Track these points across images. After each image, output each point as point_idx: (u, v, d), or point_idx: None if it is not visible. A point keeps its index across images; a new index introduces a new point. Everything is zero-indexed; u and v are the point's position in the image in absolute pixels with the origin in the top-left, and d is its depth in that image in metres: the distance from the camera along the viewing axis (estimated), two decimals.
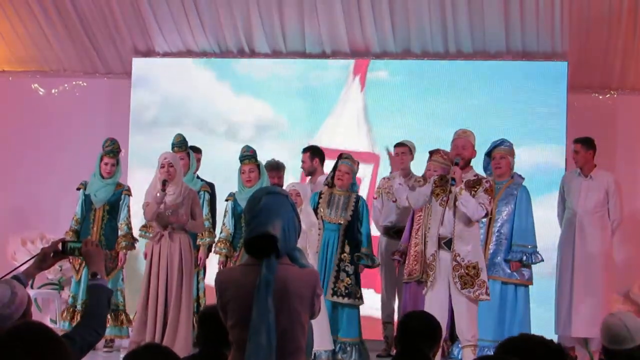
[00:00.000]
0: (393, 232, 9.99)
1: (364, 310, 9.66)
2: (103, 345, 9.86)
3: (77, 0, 11.32)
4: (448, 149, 8.54)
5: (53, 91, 12.27)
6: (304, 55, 11.67)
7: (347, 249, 9.37)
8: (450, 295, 7.89)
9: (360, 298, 9.39)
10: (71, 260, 9.88)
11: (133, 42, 11.83)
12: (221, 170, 10.61)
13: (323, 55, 11.66)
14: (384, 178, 10.44)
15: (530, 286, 9.32)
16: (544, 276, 9.84)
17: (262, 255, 3.94)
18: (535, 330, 9.11)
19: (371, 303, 10.08)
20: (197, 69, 11.76)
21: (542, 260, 9.32)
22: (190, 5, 11.27)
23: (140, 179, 10.37)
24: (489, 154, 9.45)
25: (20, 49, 11.97)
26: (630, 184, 10.63)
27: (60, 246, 4.51)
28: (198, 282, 9.80)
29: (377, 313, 10.18)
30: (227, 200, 9.61)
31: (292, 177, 10.48)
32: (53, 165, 11.84)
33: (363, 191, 10.58)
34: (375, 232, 10.00)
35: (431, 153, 9.52)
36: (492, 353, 4.83)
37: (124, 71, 12.00)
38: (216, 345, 4.59)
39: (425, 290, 8.09)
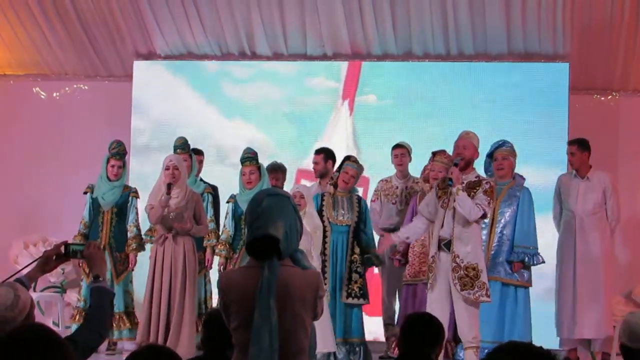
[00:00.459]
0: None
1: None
2: (106, 348, 9.86)
3: (78, 3, 11.31)
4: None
5: (54, 94, 12.28)
6: (304, 57, 11.67)
7: (357, 250, 9.40)
8: (451, 297, 7.88)
9: (368, 298, 9.46)
10: (81, 264, 9.87)
11: (134, 45, 11.84)
12: None
13: (324, 57, 11.66)
14: (381, 180, 10.42)
15: (530, 288, 9.31)
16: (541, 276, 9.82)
17: (264, 257, 3.94)
18: (536, 331, 9.15)
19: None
20: (186, 93, 11.64)
21: (544, 262, 9.33)
22: (191, 7, 11.27)
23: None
24: (490, 155, 9.44)
25: (21, 53, 11.97)
26: (632, 186, 10.63)
27: (62, 249, 4.53)
28: (205, 284, 9.80)
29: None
30: (227, 202, 9.62)
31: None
32: (55, 168, 11.84)
33: None
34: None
35: (434, 154, 9.53)
36: None
37: (125, 74, 12.00)
38: (220, 347, 4.59)
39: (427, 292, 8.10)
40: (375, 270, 10.25)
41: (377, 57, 11.58)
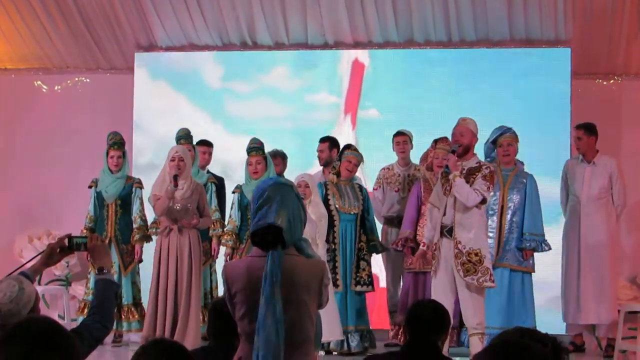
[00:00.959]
0: (397, 222, 9.98)
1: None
2: (111, 340, 9.87)
3: None
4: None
5: (56, 88, 12.27)
6: (306, 46, 11.65)
7: (363, 238, 9.44)
8: (455, 283, 7.89)
9: (374, 286, 9.57)
10: (88, 257, 9.87)
11: (135, 37, 11.82)
12: None
13: (325, 46, 11.65)
14: (383, 168, 10.42)
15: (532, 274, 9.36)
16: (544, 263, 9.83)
17: (268, 247, 3.94)
18: (539, 316, 9.18)
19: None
20: (188, 110, 11.51)
21: (550, 248, 9.34)
22: None
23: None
24: (494, 142, 9.43)
25: (22, 46, 11.96)
26: (635, 170, 10.61)
27: (66, 242, 4.53)
28: (211, 274, 9.80)
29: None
30: (233, 192, 9.62)
31: None
32: (58, 161, 11.84)
33: None
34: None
35: (436, 141, 9.54)
36: None
37: (127, 66, 11.99)
38: (226, 336, 4.60)
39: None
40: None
41: (379, 45, 11.56)
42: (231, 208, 9.59)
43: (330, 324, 8.28)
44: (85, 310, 9.74)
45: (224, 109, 11.68)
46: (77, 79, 12.26)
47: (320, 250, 8.60)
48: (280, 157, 10.11)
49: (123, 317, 9.70)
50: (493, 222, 9.25)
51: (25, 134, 12.04)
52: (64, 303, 10.97)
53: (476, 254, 7.80)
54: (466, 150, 8.00)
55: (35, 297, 4.24)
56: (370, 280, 9.42)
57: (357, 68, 11.63)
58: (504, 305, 9.09)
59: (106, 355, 9.40)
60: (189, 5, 11.32)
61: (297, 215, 4.04)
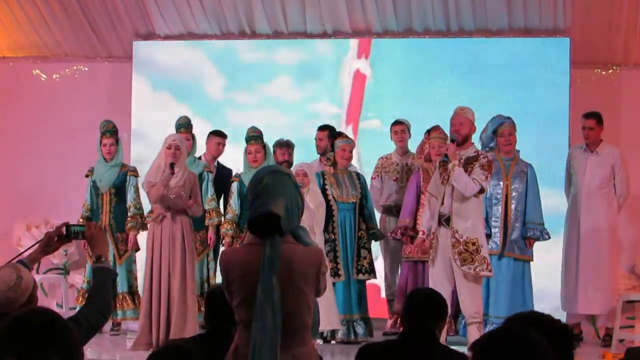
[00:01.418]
0: (396, 210, 9.99)
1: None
2: (110, 328, 9.89)
3: None
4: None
5: (54, 76, 12.25)
6: (305, 35, 11.64)
7: (363, 226, 9.45)
8: (453, 272, 7.90)
9: (375, 274, 9.60)
10: (85, 246, 9.89)
11: (133, 26, 11.80)
12: None
13: (324, 35, 11.63)
14: (382, 157, 10.42)
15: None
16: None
17: (265, 235, 3.94)
18: (537, 305, 9.21)
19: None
20: (194, 122, 11.30)
21: (550, 237, 9.38)
22: None
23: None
24: (494, 132, 9.43)
25: (20, 35, 11.94)
26: (635, 160, 10.59)
27: (64, 230, 4.53)
28: (208, 263, 9.80)
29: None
30: (232, 181, 9.63)
31: None
32: (56, 150, 11.83)
33: None
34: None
35: (429, 131, 9.54)
36: None
37: (125, 55, 11.98)
38: (223, 324, 4.60)
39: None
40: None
41: (377, 34, 11.54)
42: (230, 197, 9.59)
43: (328, 313, 8.30)
44: (80, 299, 9.78)
45: (225, 120, 11.49)
46: (75, 67, 12.24)
47: (317, 238, 8.61)
48: (286, 147, 10.09)
49: (118, 305, 9.69)
50: (498, 211, 9.28)
51: (24, 123, 12.02)
52: (62, 292, 10.98)
53: (473, 243, 7.81)
54: (465, 140, 8.01)
55: (33, 285, 4.24)
56: (372, 268, 9.47)
57: (359, 79, 11.59)
58: (507, 295, 9.13)
59: (105, 344, 9.41)
60: None
61: (295, 203, 4.04)
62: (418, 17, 11.28)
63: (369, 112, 11.51)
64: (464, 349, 5.22)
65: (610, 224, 9.60)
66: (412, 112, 10.93)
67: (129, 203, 9.81)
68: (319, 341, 9.01)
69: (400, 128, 10.25)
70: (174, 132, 9.74)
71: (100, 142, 9.87)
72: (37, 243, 4.62)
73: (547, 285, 10.09)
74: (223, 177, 10.03)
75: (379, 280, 10.18)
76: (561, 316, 9.60)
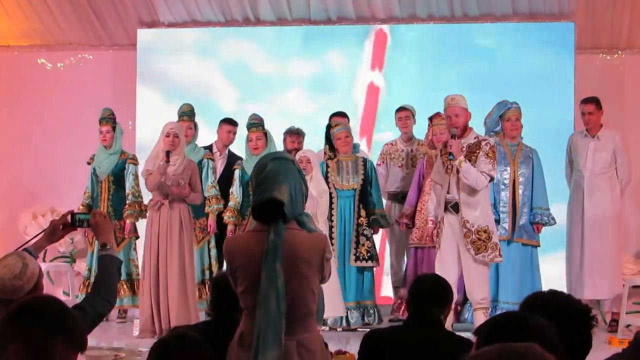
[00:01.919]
0: (401, 197, 9.99)
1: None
2: (116, 316, 9.92)
3: None
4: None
5: (59, 65, 12.25)
6: (309, 21, 11.62)
7: (363, 213, 9.42)
8: (459, 258, 7.90)
9: (378, 260, 9.52)
10: (86, 234, 9.92)
11: (137, 13, 11.79)
12: None
13: (328, 21, 11.61)
14: (387, 144, 10.41)
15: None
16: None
17: (269, 221, 3.95)
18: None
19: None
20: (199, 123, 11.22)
21: (555, 222, 9.38)
22: None
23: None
24: (501, 116, 9.41)
25: (24, 24, 11.93)
26: (638, 145, 10.59)
27: (69, 218, 4.54)
28: (209, 250, 9.80)
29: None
30: (234, 168, 9.63)
31: None
32: (61, 138, 11.83)
33: None
34: None
35: (431, 118, 9.53)
36: None
37: (129, 42, 11.97)
38: (228, 311, 4.61)
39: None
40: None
41: (381, 20, 11.52)
42: (232, 185, 9.58)
43: (333, 300, 8.30)
44: (80, 287, 9.82)
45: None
46: (80, 55, 12.23)
47: (321, 225, 8.60)
48: (295, 135, 10.09)
49: None
50: (506, 196, 9.27)
51: (29, 111, 12.03)
52: (69, 279, 11.01)
53: (485, 231, 7.84)
54: (464, 129, 8.00)
55: (39, 273, 4.26)
56: (370, 256, 9.37)
57: (372, 92, 11.54)
58: (517, 280, 9.14)
59: (111, 331, 9.44)
60: None
61: (299, 190, 4.04)
62: (422, 3, 11.26)
63: (382, 125, 11.39)
64: (470, 336, 5.23)
65: (614, 208, 9.58)
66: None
67: (127, 191, 9.82)
68: (325, 328, 9.01)
69: (404, 114, 10.22)
70: (177, 120, 9.75)
71: (99, 130, 9.90)
72: (42, 232, 4.63)
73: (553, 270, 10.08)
74: (234, 165, 9.99)
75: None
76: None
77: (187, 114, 9.85)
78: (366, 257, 9.35)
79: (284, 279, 3.85)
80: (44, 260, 10.68)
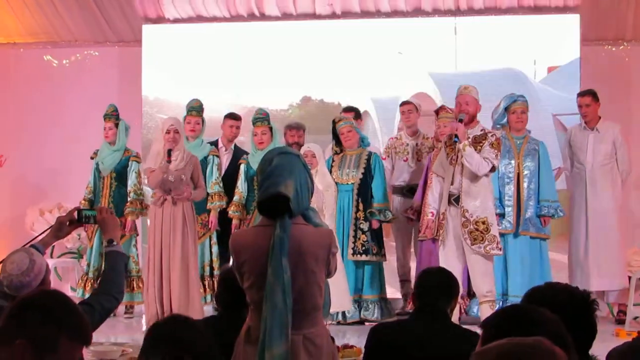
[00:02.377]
0: (406, 190, 9.99)
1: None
2: (123, 311, 9.93)
3: None
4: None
5: (64, 62, 12.26)
6: (313, 16, 11.62)
7: (361, 207, 9.38)
8: (464, 252, 7.90)
9: (379, 254, 9.43)
10: (85, 229, 9.92)
11: (142, 9, 11.80)
12: None
13: (333, 16, 11.60)
14: (391, 138, 10.41)
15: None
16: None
17: (275, 216, 3.95)
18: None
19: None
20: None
21: (565, 214, 9.37)
22: None
23: None
24: (506, 109, 9.41)
25: (30, 21, 11.94)
26: None
27: (75, 215, 4.55)
28: (211, 246, 9.80)
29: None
30: (239, 163, 9.62)
31: None
32: (68, 135, 11.84)
33: None
34: None
35: (437, 112, 9.52)
36: None
37: (135, 39, 11.98)
38: (235, 306, 4.62)
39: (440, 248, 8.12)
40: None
41: (387, 15, 11.52)
42: (237, 179, 9.58)
43: (339, 294, 8.30)
44: (80, 282, 9.82)
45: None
46: (85, 52, 12.24)
47: (327, 220, 8.60)
48: (297, 129, 10.09)
49: None
50: (510, 190, 9.26)
51: (35, 108, 12.05)
52: (76, 275, 11.01)
53: (483, 222, 7.82)
54: (472, 118, 8.00)
55: (46, 270, 4.27)
56: (365, 249, 9.31)
57: None
58: (525, 273, 9.13)
59: (119, 327, 9.44)
60: None
61: (305, 185, 4.05)
62: None
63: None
64: (477, 329, 5.23)
65: (616, 199, 9.58)
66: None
67: (129, 188, 9.82)
68: (332, 322, 9.01)
69: (407, 108, 10.20)
70: (186, 114, 9.75)
71: (104, 126, 9.94)
72: (49, 228, 4.64)
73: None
74: (240, 159, 9.97)
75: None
76: None
77: (196, 109, 9.83)
78: (361, 251, 9.31)
79: (290, 273, 3.86)
80: (51, 257, 10.70)
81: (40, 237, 4.66)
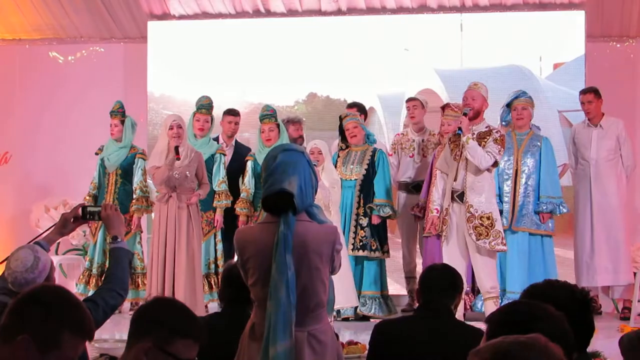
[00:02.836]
0: (412, 187, 9.98)
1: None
2: (129, 308, 9.93)
3: None
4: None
5: (70, 58, 12.28)
6: (319, 13, 11.62)
7: (362, 203, 9.38)
8: (467, 248, 7.90)
9: (379, 250, 9.38)
10: (90, 225, 9.92)
11: (148, 6, 11.81)
12: None
13: (339, 12, 11.61)
14: (398, 134, 10.40)
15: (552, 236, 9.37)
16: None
17: (279, 212, 3.95)
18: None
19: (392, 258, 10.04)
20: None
21: (568, 210, 9.35)
22: None
23: None
24: (508, 105, 9.42)
25: (36, 17, 11.96)
26: None
27: (80, 211, 4.56)
28: (216, 244, 9.79)
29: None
30: (246, 160, 9.61)
31: None
32: (73, 132, 11.86)
33: None
34: None
35: (443, 108, 9.52)
36: None
37: (140, 35, 11.99)
38: (240, 303, 4.62)
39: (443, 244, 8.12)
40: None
41: (392, 11, 11.51)
42: (244, 176, 9.57)
43: (345, 291, 8.30)
44: (81, 277, 9.83)
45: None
46: (91, 48, 12.26)
47: (333, 216, 8.59)
48: (299, 123, 10.09)
49: None
50: (508, 186, 9.25)
51: (41, 104, 12.07)
52: (81, 272, 11.03)
53: (488, 218, 7.82)
54: (477, 114, 8.01)
55: (50, 266, 4.28)
56: (364, 245, 9.28)
57: None
58: (525, 270, 9.12)
59: (124, 323, 9.42)
60: None
61: (309, 182, 4.05)
62: None
63: None
64: (482, 326, 5.23)
65: (621, 195, 9.57)
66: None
67: (135, 185, 9.80)
68: (338, 318, 9.01)
69: (412, 104, 10.19)
70: (195, 111, 9.74)
71: (110, 123, 9.95)
72: (54, 225, 4.65)
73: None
74: (241, 155, 9.98)
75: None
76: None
77: (206, 106, 9.80)
78: (359, 247, 9.31)
79: (294, 270, 3.86)
80: (56, 253, 10.71)
81: (45, 234, 4.67)
